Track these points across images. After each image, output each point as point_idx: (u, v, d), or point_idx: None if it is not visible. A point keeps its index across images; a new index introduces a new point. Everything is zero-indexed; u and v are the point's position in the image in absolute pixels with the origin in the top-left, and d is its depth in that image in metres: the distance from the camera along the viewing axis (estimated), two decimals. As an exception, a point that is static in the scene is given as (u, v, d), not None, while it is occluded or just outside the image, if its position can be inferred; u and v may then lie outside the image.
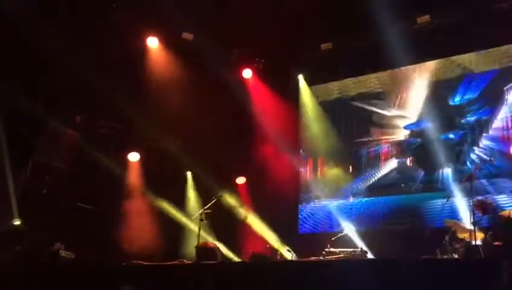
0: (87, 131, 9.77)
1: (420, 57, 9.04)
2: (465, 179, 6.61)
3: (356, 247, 7.14)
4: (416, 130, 9.11)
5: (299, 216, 9.88)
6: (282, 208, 9.48)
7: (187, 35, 9.83)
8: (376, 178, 9.32)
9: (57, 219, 8.72)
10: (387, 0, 7.98)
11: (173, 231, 9.54)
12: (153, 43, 9.84)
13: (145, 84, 9.35)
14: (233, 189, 10.06)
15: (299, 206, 9.93)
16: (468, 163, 8.17)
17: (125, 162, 10.09)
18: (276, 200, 9.40)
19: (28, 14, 7.97)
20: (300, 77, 10.41)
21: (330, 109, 10.17)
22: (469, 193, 6.38)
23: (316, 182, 9.97)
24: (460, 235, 6.46)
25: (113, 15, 9.35)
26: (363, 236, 8.21)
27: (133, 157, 10.11)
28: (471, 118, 8.56)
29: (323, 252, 7.13)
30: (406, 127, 9.27)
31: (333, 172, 9.79)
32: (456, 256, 6.05)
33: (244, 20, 9.28)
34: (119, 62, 9.26)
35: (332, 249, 7.20)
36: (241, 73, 10.39)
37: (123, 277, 6.19)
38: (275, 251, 7.36)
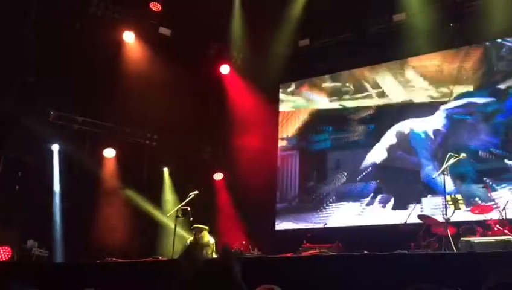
0: (61, 127, 9.60)
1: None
2: (438, 174, 6.73)
3: (332, 242, 7.19)
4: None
5: (277, 212, 9.91)
6: (259, 204, 9.49)
7: (164, 30, 9.75)
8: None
9: (29, 216, 8.54)
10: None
11: (149, 228, 9.46)
12: (129, 37, 9.71)
13: (121, 79, 9.22)
14: (211, 185, 10.06)
15: (277, 203, 9.96)
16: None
17: (100, 158, 9.95)
18: (254, 195, 9.41)
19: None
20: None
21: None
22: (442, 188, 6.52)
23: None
24: (434, 230, 6.58)
25: (89, 9, 9.24)
26: (340, 232, 8.30)
27: (109, 153, 9.98)
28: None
29: (300, 248, 7.18)
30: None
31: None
32: (429, 250, 6.16)
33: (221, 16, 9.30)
34: (94, 57, 9.14)
35: (308, 245, 7.25)
36: (219, 69, 10.35)
37: (96, 274, 6.11)
38: (250, 246, 7.35)
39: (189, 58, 9.93)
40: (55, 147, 9.59)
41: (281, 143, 10.31)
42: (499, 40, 8.28)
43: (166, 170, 10.32)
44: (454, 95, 8.57)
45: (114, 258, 6.97)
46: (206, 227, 7.59)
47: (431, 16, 8.58)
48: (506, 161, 7.73)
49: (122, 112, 9.68)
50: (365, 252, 5.47)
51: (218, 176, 10.32)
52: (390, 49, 9.20)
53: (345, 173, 9.39)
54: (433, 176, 6.89)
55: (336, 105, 9.84)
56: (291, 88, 10.50)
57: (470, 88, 8.45)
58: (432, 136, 8.56)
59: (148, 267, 6.37)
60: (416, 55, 9.07)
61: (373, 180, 9.00)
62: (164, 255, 7.56)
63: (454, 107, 8.51)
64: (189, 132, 9.77)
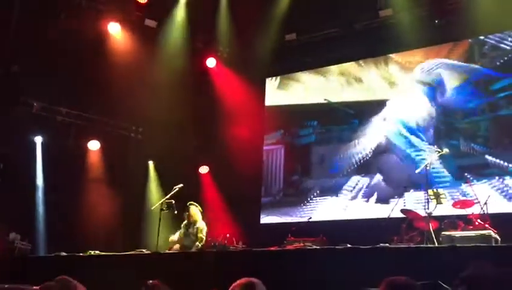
0: (45, 118, 9.49)
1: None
2: (420, 169, 6.82)
3: (317, 236, 7.24)
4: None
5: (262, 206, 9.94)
6: (245, 197, 9.51)
7: (150, 22, 9.67)
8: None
9: (12, 208, 8.45)
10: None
11: (134, 221, 9.42)
12: (114, 29, 9.60)
13: (106, 70, 9.13)
14: (197, 178, 10.04)
15: (262, 197, 9.98)
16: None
17: (85, 151, 9.86)
18: (239, 189, 9.43)
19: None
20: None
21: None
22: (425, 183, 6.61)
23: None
24: (416, 224, 6.67)
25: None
26: (324, 225, 8.36)
27: (93, 145, 9.89)
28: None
29: (285, 242, 7.22)
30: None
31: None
32: (412, 244, 6.24)
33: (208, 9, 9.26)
34: (79, 48, 9.04)
35: (293, 239, 7.29)
36: (205, 62, 10.30)
37: (79, 267, 6.09)
38: (234, 240, 7.37)
39: (175, 50, 9.90)
40: (38, 139, 9.49)
41: (267, 137, 10.30)
42: (481, 37, 8.38)
43: (151, 163, 10.28)
44: (438, 91, 8.67)
45: (97, 251, 6.95)
46: (200, 209, 7.61)
47: (416, 12, 8.65)
48: (487, 156, 7.84)
49: (107, 104, 9.60)
50: (348, 245, 5.53)
51: (203, 170, 10.29)
52: (377, 44, 9.25)
53: (329, 168, 9.43)
54: (416, 171, 6.96)
55: (321, 100, 9.87)
56: (277, 82, 10.49)
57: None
58: (416, 131, 8.64)
59: (131, 261, 6.36)
60: (401, 51, 9.14)
61: (357, 174, 9.06)
62: (148, 248, 7.54)
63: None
64: (174, 124, 9.72)
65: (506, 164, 7.63)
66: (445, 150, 6.59)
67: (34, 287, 2.76)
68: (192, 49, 10.01)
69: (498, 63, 8.12)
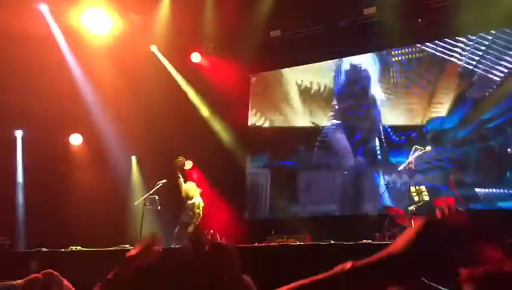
0: (25, 112, 9.33)
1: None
2: (403, 166, 6.89)
3: (300, 233, 7.26)
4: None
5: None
6: (227, 193, 9.49)
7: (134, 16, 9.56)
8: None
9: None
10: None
11: (117, 217, 9.34)
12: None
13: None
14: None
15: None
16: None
17: (66, 145, 9.74)
18: (223, 185, 9.41)
19: None
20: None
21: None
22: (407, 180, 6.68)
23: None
24: (398, 221, 6.73)
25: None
26: (307, 222, 8.39)
27: (75, 140, 9.76)
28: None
29: (268, 238, 7.23)
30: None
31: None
32: (393, 240, 6.30)
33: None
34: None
35: (276, 235, 7.30)
36: (190, 56, 10.25)
37: (63, 262, 6.01)
38: (218, 236, 7.36)
39: (159, 46, 9.85)
40: (18, 133, 9.35)
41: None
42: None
43: (134, 158, 10.20)
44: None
45: (79, 247, 6.88)
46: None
47: (400, 11, 8.71)
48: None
49: (88, 97, 9.48)
50: (331, 241, 5.56)
51: (188, 165, 10.23)
52: (361, 42, 9.30)
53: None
54: (399, 169, 7.04)
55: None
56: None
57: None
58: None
59: (114, 256, 6.30)
60: (385, 49, 9.21)
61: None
62: (131, 244, 7.49)
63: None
64: (157, 119, 9.65)
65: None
66: (428, 148, 6.66)
67: (18, 281, 2.73)
68: (176, 43, 9.93)
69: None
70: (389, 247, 1.20)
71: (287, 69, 10.22)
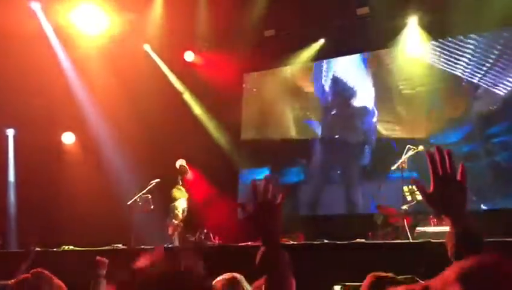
0: (14, 111, 9.26)
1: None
2: (396, 166, 6.91)
3: (293, 232, 7.26)
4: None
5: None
6: (222, 193, 9.48)
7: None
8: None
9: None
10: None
11: (110, 216, 9.29)
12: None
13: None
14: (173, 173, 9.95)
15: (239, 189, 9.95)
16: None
17: (58, 143, 9.68)
18: (216, 184, 9.40)
19: None
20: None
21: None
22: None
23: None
24: (391, 220, 6.76)
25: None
26: (301, 221, 8.39)
27: (68, 138, 9.69)
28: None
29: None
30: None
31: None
32: (387, 240, 6.33)
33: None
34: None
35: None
36: (183, 55, 10.22)
37: (55, 262, 5.97)
38: (211, 235, 7.35)
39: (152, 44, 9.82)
40: (10, 132, 9.28)
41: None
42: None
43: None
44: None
45: (71, 246, 6.85)
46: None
47: (393, 11, 8.73)
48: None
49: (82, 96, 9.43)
50: (325, 241, 5.57)
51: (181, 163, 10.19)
52: (353, 42, 9.31)
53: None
54: (392, 168, 7.05)
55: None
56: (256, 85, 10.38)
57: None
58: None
59: (106, 256, 6.26)
60: (378, 50, 9.24)
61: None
62: (124, 243, 7.46)
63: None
64: (151, 118, 9.61)
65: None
66: (420, 147, 6.67)
67: (9, 281, 2.69)
68: (170, 42, 9.91)
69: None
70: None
71: (280, 69, 10.22)
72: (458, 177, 1.60)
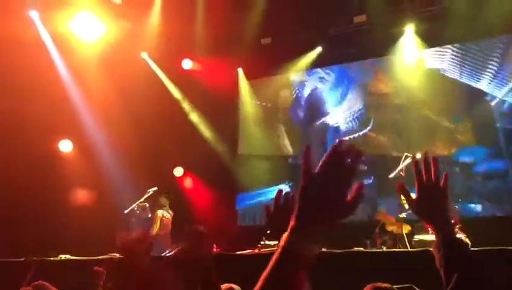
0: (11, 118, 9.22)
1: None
2: (394, 174, 6.92)
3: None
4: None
5: (238, 208, 9.88)
6: (220, 201, 9.47)
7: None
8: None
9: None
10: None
11: (107, 225, 9.26)
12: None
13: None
14: (171, 181, 9.94)
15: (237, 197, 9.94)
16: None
17: (55, 150, 9.64)
18: (217, 188, 9.40)
19: None
20: (240, 71, 10.43)
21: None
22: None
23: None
24: (389, 228, 6.75)
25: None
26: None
27: (65, 146, 9.66)
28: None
29: (259, 245, 7.19)
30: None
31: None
32: (384, 248, 6.32)
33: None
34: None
35: (268, 242, 7.27)
36: (180, 63, 10.24)
37: (52, 271, 5.94)
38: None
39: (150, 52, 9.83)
40: None
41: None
42: (456, 45, 8.51)
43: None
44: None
45: (69, 256, 6.81)
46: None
47: (390, 19, 8.79)
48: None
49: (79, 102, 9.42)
50: (323, 249, 5.55)
51: (178, 172, 10.19)
52: (351, 50, 9.36)
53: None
54: (390, 176, 7.06)
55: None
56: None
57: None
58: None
59: (103, 265, 6.24)
60: (375, 57, 9.28)
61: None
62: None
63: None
64: (148, 125, 9.61)
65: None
66: (418, 155, 6.67)
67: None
68: (167, 50, 9.93)
69: None
70: None
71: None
72: (441, 185, 1.63)
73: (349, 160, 1.17)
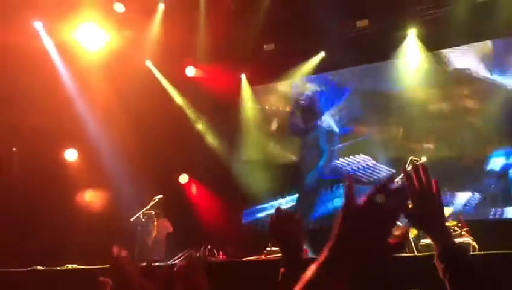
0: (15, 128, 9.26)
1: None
2: (399, 178, 6.88)
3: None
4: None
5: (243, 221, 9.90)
6: (225, 206, 9.47)
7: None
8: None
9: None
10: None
11: (113, 233, 9.26)
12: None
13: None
14: (176, 188, 9.95)
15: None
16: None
17: (59, 159, 9.68)
18: (223, 195, 9.41)
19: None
20: (243, 77, 10.46)
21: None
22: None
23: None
24: (396, 233, 6.69)
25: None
26: (307, 234, 8.33)
27: (70, 155, 9.70)
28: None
29: (265, 251, 7.17)
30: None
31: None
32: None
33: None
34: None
35: (274, 248, 7.25)
36: (184, 70, 10.27)
37: (59, 281, 5.95)
38: (215, 250, 7.31)
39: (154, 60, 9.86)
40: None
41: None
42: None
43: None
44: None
45: (75, 265, 6.81)
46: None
47: (392, 23, 8.79)
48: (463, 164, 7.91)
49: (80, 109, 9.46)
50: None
51: (183, 179, 10.19)
52: (354, 54, 9.35)
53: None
54: (396, 180, 7.02)
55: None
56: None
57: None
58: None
59: (109, 273, 6.23)
60: (377, 62, 9.28)
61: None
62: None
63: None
64: (153, 134, 9.63)
65: None
66: (423, 159, 6.65)
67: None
68: (171, 58, 9.97)
69: None
70: None
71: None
72: (433, 191, 1.62)
73: (397, 200, 1.08)
